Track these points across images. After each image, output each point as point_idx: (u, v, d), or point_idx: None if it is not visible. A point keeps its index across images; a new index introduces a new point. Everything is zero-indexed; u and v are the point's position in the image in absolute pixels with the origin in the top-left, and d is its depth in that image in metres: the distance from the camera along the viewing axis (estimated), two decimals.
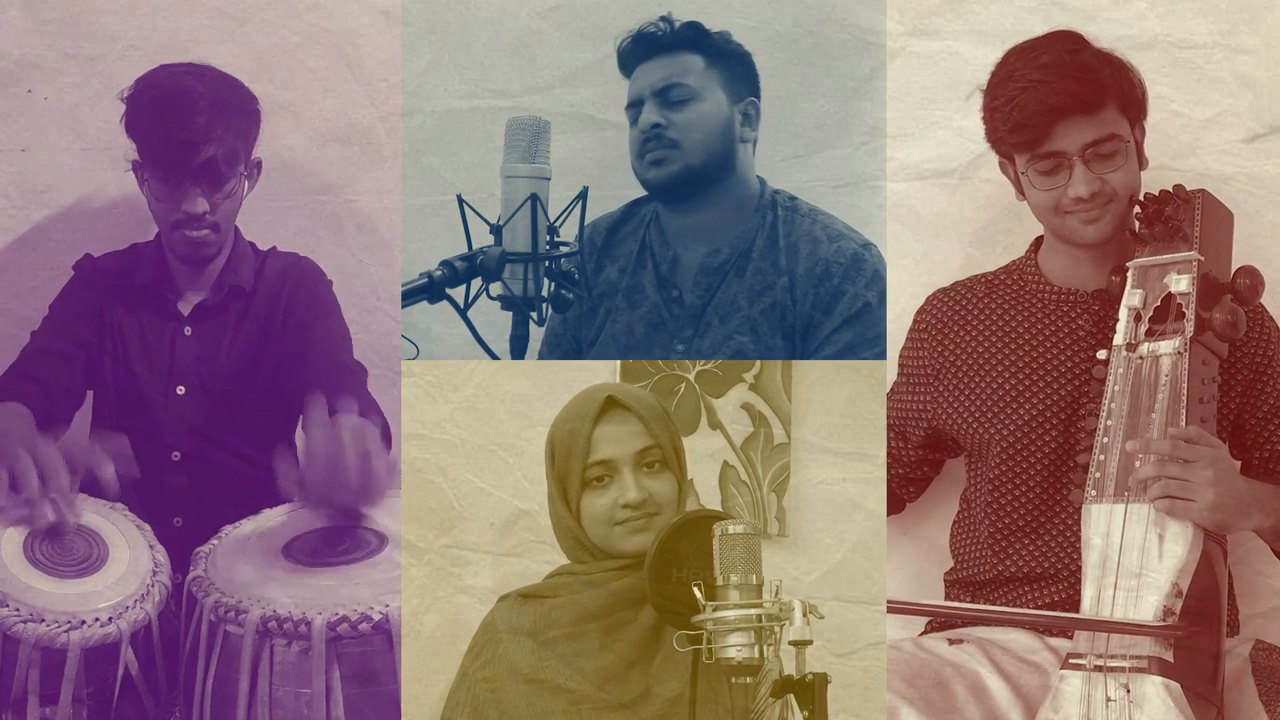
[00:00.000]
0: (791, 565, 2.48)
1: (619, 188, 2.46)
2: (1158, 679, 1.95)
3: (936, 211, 2.57)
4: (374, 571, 2.04)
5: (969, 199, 2.55)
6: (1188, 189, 2.18)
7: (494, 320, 2.02)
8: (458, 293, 1.95)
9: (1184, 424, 2.05)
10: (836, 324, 2.35)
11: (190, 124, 2.39)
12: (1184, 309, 2.10)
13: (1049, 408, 2.23)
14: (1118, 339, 2.15)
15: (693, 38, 2.40)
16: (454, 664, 2.06)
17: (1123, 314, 2.16)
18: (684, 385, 2.53)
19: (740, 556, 1.76)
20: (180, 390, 2.51)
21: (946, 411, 2.31)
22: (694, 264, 2.43)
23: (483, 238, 2.01)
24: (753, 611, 1.73)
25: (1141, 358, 2.12)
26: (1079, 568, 2.08)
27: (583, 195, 2.06)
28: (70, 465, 2.08)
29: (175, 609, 2.08)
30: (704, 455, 2.52)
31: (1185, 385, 2.07)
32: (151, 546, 2.10)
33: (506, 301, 2.01)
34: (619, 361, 2.50)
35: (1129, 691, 1.96)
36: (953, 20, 2.55)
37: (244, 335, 2.53)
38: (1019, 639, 2.22)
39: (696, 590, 1.77)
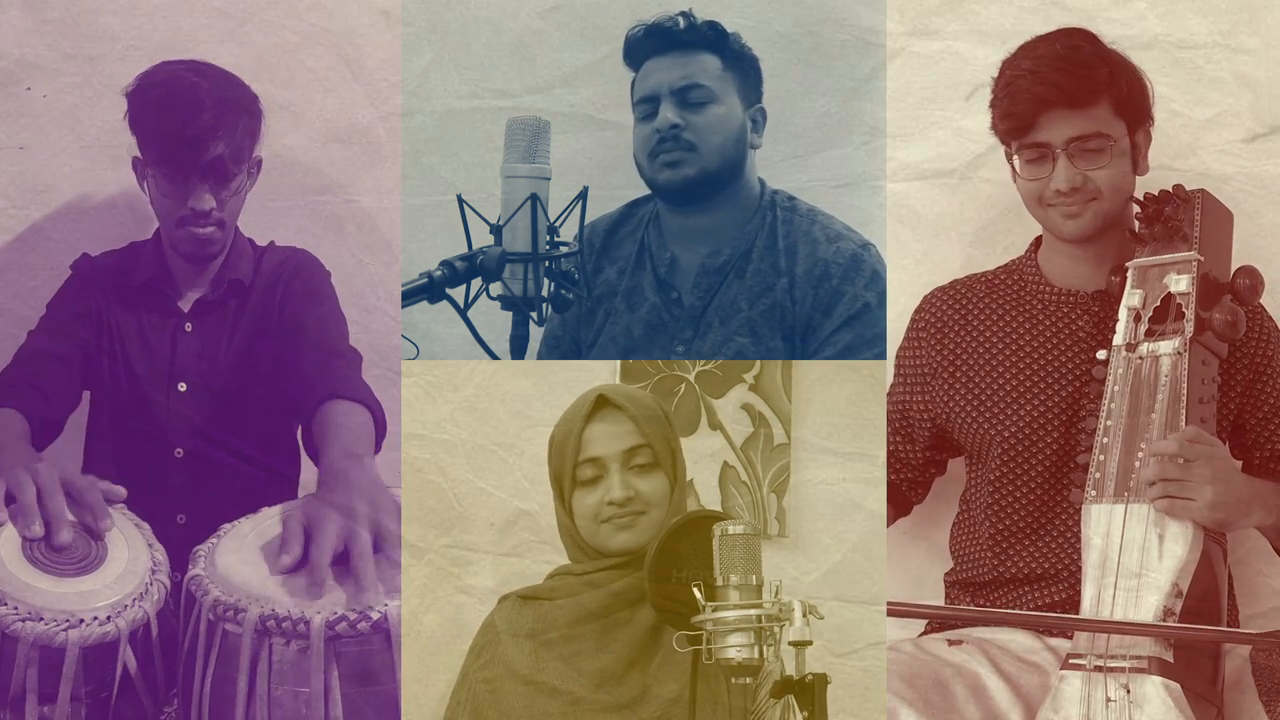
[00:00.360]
0: (791, 565, 2.48)
1: (619, 188, 2.46)
2: (1158, 679, 1.95)
3: (936, 211, 2.57)
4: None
5: (969, 199, 2.55)
6: (1187, 189, 2.18)
7: (494, 320, 2.02)
8: (458, 293, 1.95)
9: (1184, 424, 2.05)
10: (836, 325, 2.34)
11: (197, 121, 2.38)
12: (1184, 309, 2.10)
13: (1050, 409, 2.23)
14: (1117, 339, 2.15)
15: (712, 39, 2.36)
16: (454, 664, 2.06)
17: (1122, 314, 2.16)
18: (684, 386, 2.53)
19: (740, 557, 1.76)
20: (182, 387, 2.51)
21: (947, 411, 2.31)
22: (692, 265, 2.43)
23: (483, 238, 2.01)
24: (752, 612, 1.74)
25: (1141, 358, 2.12)
26: (1079, 568, 2.08)
27: (583, 195, 2.05)
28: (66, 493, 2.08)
29: (174, 608, 2.07)
30: (704, 456, 2.52)
31: (1185, 385, 2.07)
32: (150, 545, 2.10)
33: (506, 301, 2.01)
34: (619, 362, 2.50)
35: (1129, 692, 1.96)
36: (953, 20, 2.55)
37: (243, 330, 2.52)
38: (1019, 639, 2.22)
39: (696, 591, 1.77)
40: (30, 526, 2.00)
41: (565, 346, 2.53)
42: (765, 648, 1.74)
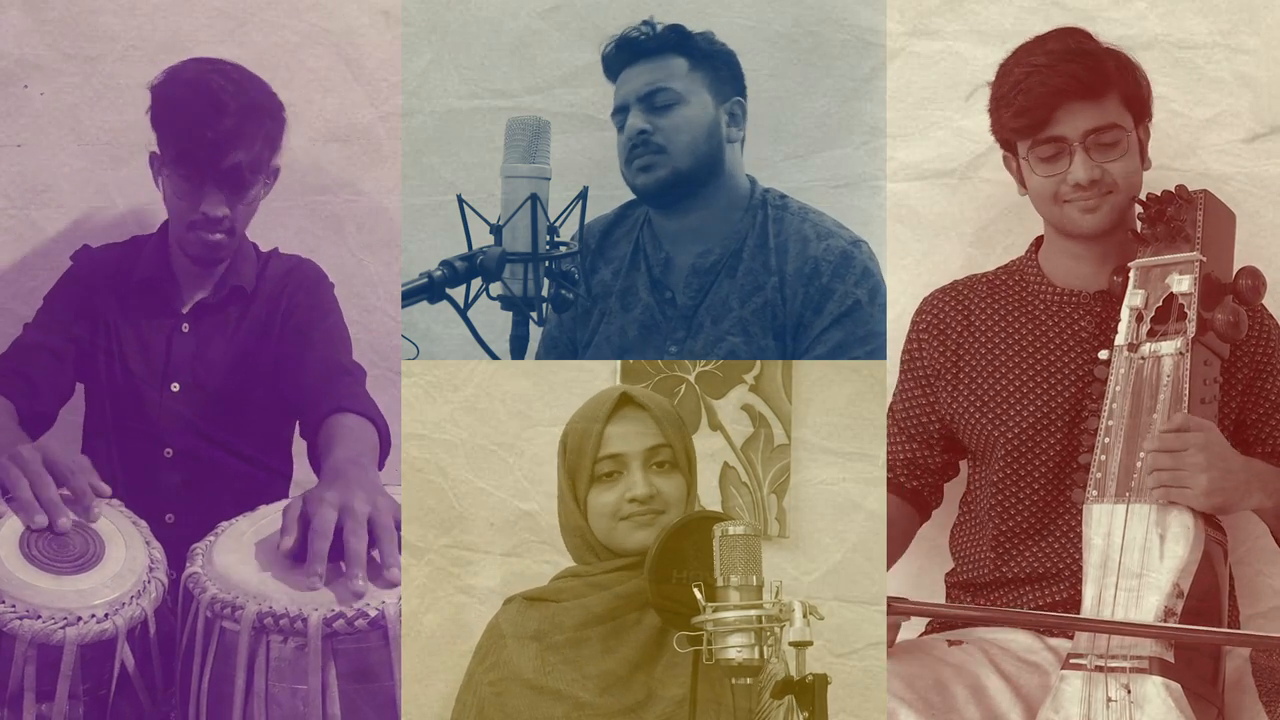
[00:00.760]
0: (791, 565, 2.48)
1: (619, 188, 2.46)
2: (1158, 679, 1.95)
3: (936, 211, 2.57)
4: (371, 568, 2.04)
5: (969, 199, 2.55)
6: (1189, 189, 2.18)
7: (494, 320, 2.02)
8: (458, 293, 1.95)
9: None
10: (827, 323, 2.34)
11: (218, 126, 2.37)
12: (1186, 309, 2.10)
13: (1052, 409, 2.23)
14: (1119, 339, 2.15)
15: (675, 41, 2.39)
16: (454, 664, 2.06)
17: (1124, 314, 2.15)
18: (684, 386, 2.53)
19: (740, 557, 1.76)
20: (175, 387, 2.50)
21: (952, 412, 2.31)
22: (687, 265, 2.43)
23: (483, 238, 2.01)
24: (753, 612, 1.74)
25: (1143, 358, 2.12)
26: (1081, 568, 2.08)
27: (583, 195, 2.06)
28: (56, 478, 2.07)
29: (172, 605, 2.07)
30: (704, 456, 2.51)
31: (1187, 385, 2.07)
32: (148, 543, 2.10)
33: (506, 301, 2.01)
34: (619, 362, 2.50)
35: (1129, 692, 1.96)
36: (953, 20, 2.55)
37: (241, 334, 2.52)
38: (1019, 639, 2.22)
39: (696, 591, 1.77)
40: (33, 518, 2.00)
41: (563, 347, 2.53)
42: (766, 648, 1.74)
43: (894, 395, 2.40)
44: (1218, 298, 2.13)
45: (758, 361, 2.49)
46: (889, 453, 2.37)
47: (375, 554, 1.97)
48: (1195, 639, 1.98)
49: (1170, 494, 2.00)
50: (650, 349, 2.45)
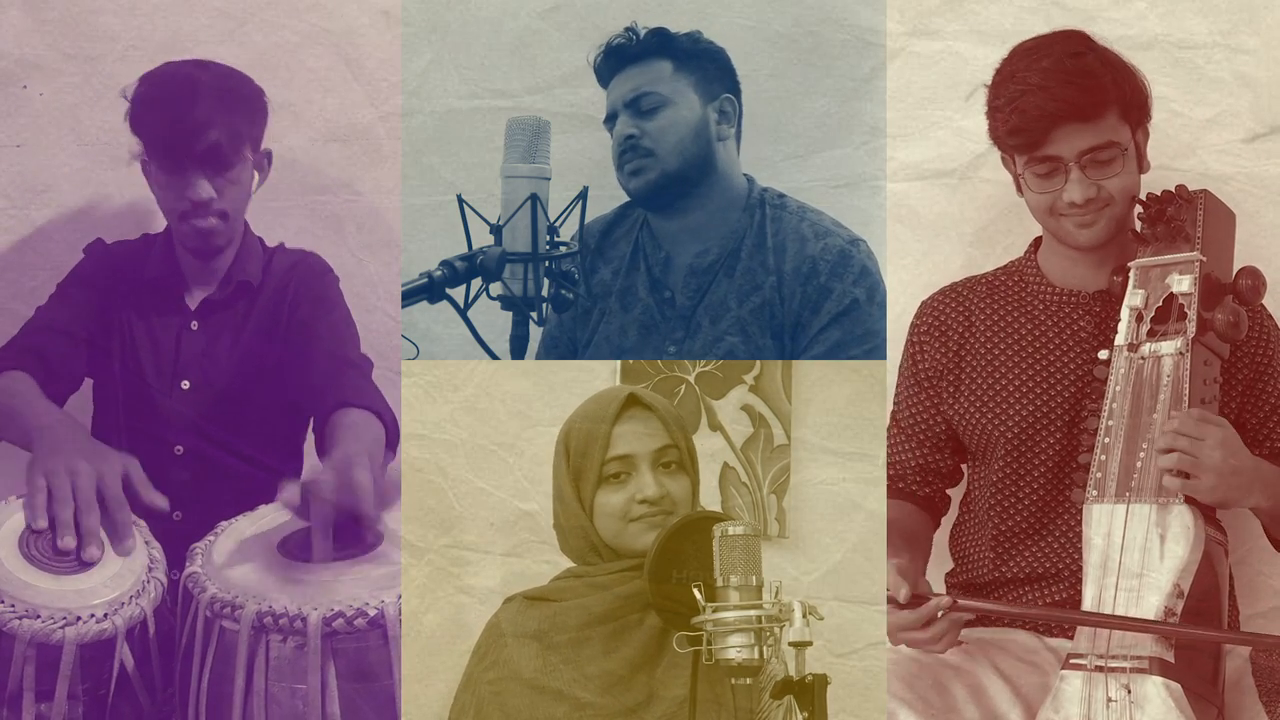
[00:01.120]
0: (791, 566, 2.48)
1: (618, 188, 2.46)
2: (1158, 679, 1.95)
3: (936, 211, 2.57)
4: (370, 568, 2.04)
5: (969, 199, 2.54)
6: (1189, 189, 2.18)
7: (494, 320, 2.02)
8: (458, 293, 1.95)
9: None
10: (825, 322, 2.34)
11: (192, 111, 2.38)
12: (1186, 309, 2.10)
13: (1052, 409, 2.23)
14: (1119, 339, 2.14)
15: (658, 44, 2.41)
16: (454, 664, 2.06)
17: (1124, 314, 2.15)
18: (684, 386, 2.53)
19: (740, 558, 1.76)
20: (185, 385, 2.51)
21: (954, 413, 2.31)
22: (685, 265, 2.44)
23: (483, 238, 2.01)
24: (752, 613, 1.74)
25: (1143, 358, 2.12)
26: (1080, 568, 2.07)
27: (583, 195, 2.06)
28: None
29: (171, 605, 2.08)
30: (704, 456, 2.49)
31: (1187, 385, 2.07)
32: (148, 543, 2.10)
33: (506, 301, 2.01)
34: (619, 362, 2.50)
35: (1129, 692, 1.96)
36: (953, 20, 2.55)
37: (249, 331, 2.52)
38: (1019, 639, 2.22)
39: (696, 591, 1.77)
40: (63, 538, 2.01)
41: (563, 346, 2.54)
42: (766, 649, 1.74)
43: (898, 403, 2.38)
44: (1218, 298, 2.12)
45: (757, 362, 2.49)
46: (899, 461, 2.35)
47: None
48: (1216, 640, 1.98)
49: (1179, 483, 2.00)
50: (649, 349, 2.45)
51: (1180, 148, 2.43)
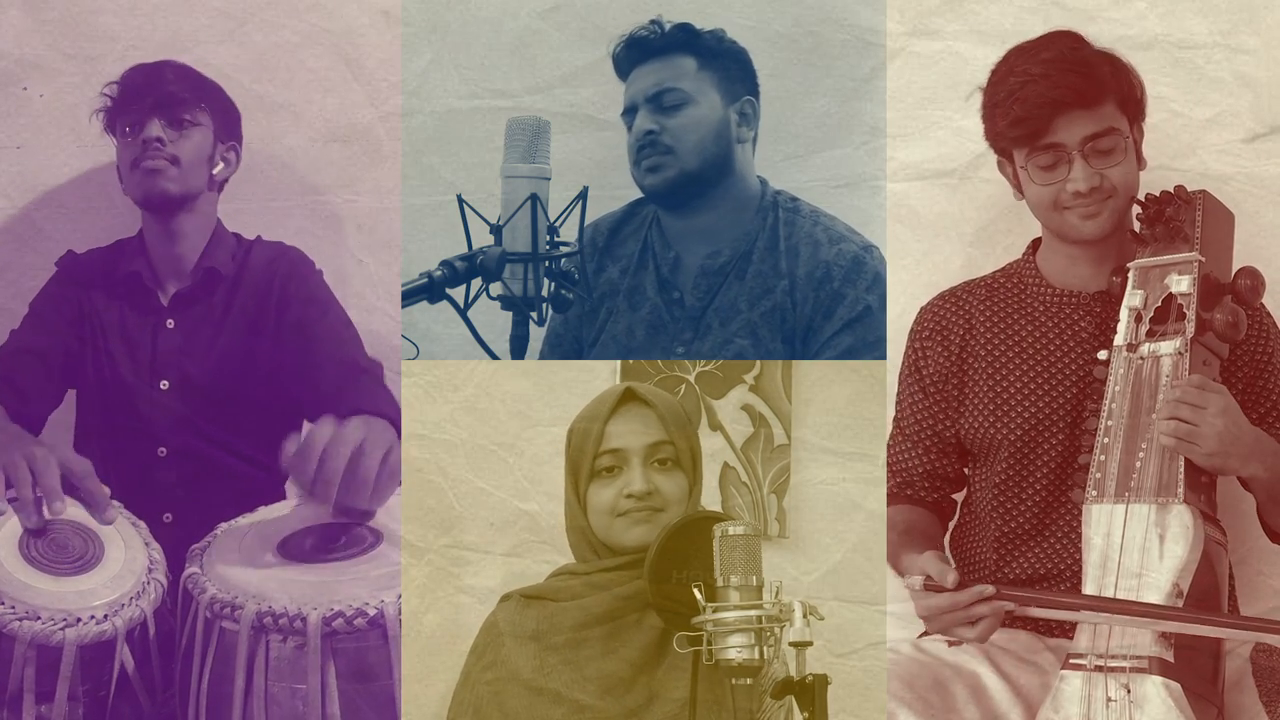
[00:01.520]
0: (791, 566, 2.48)
1: (619, 188, 2.46)
2: (1158, 679, 1.95)
3: (936, 211, 2.57)
4: (370, 567, 2.04)
5: (969, 199, 2.54)
6: (1188, 190, 2.18)
7: (494, 320, 2.02)
8: (458, 293, 1.95)
9: None
10: (837, 327, 2.34)
11: (156, 74, 2.49)
12: (1185, 310, 2.10)
13: (1053, 409, 2.22)
14: (1118, 339, 2.14)
15: (684, 40, 2.39)
16: (454, 664, 2.06)
17: (1123, 314, 2.15)
18: (684, 386, 2.53)
19: (740, 558, 1.76)
20: (164, 385, 2.50)
21: (957, 415, 2.31)
22: (695, 266, 2.43)
23: (483, 238, 2.01)
24: (753, 613, 1.74)
25: (1142, 358, 2.12)
26: (1081, 568, 2.07)
27: (583, 195, 2.06)
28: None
29: (171, 606, 2.08)
30: (704, 456, 2.51)
31: None
32: (147, 544, 2.10)
33: (506, 301, 2.01)
34: (619, 362, 2.50)
35: (1129, 692, 1.96)
36: (953, 20, 2.55)
37: (229, 328, 2.52)
38: (1019, 639, 2.22)
39: (696, 591, 1.77)
40: (30, 518, 2.01)
41: (568, 345, 2.53)
42: (766, 648, 1.74)
43: (901, 410, 2.37)
44: (1217, 298, 2.13)
45: (757, 361, 2.49)
46: (907, 468, 2.34)
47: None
48: (1239, 627, 1.98)
49: (1180, 446, 2.00)
50: (657, 349, 2.45)
51: (1180, 148, 2.43)
